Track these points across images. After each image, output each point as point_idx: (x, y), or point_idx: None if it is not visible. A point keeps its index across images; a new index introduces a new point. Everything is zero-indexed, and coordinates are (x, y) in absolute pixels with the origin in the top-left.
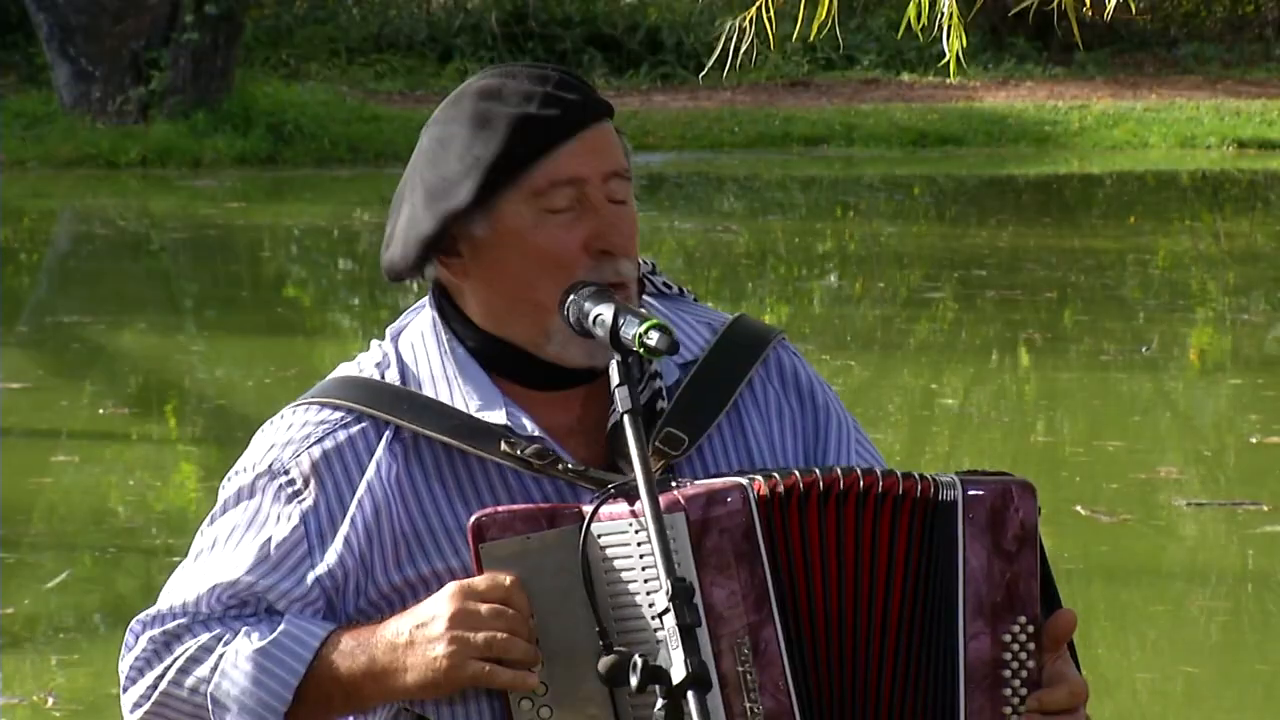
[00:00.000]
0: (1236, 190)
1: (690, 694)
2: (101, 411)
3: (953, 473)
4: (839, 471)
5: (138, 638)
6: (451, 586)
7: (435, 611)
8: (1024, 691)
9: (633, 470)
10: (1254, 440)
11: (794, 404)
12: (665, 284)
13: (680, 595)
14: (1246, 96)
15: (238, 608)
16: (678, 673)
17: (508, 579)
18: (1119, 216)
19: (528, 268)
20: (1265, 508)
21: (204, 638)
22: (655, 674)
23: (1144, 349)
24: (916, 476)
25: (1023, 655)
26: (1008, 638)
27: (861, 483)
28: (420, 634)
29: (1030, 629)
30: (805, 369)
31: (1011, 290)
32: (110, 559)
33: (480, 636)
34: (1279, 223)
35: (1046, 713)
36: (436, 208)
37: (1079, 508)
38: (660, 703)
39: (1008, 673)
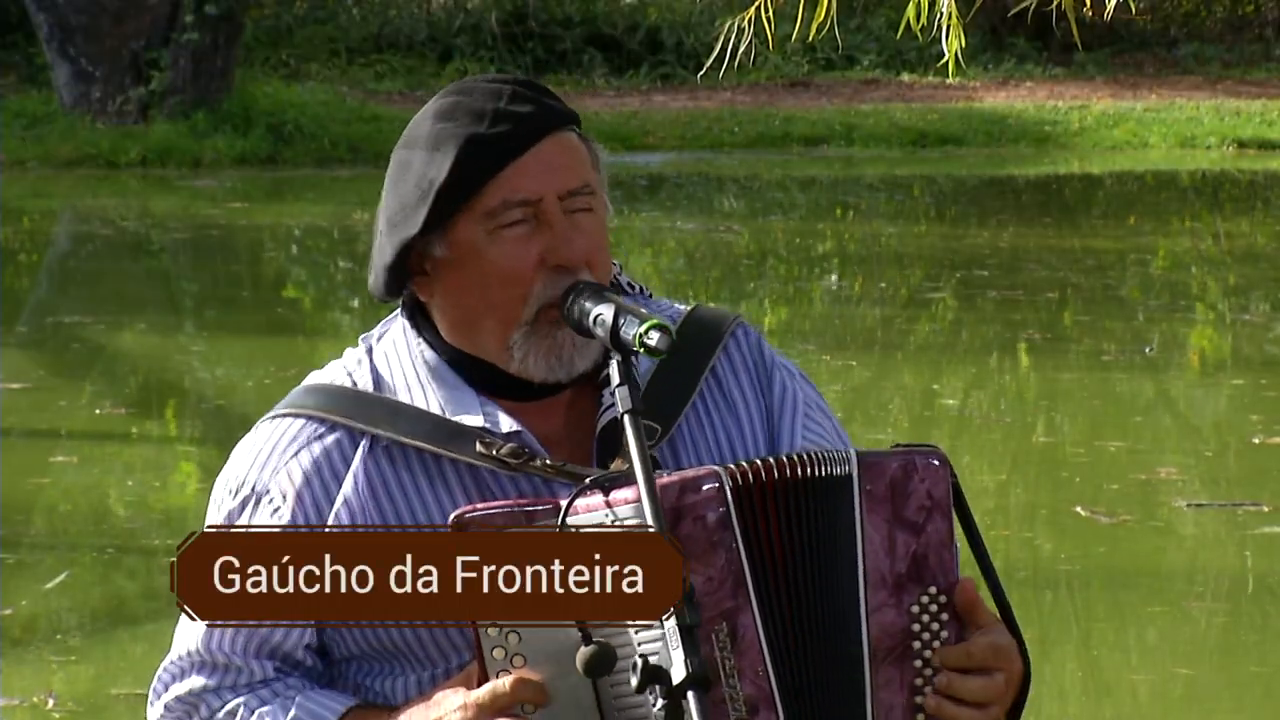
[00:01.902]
0: (1236, 190)
1: (690, 694)
2: (101, 412)
3: (858, 448)
4: (785, 457)
5: (159, 697)
6: (455, 708)
7: None
8: (938, 662)
9: (613, 466)
10: (1256, 441)
11: (753, 385)
12: (629, 284)
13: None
14: (1246, 96)
15: (241, 653)
16: (678, 673)
17: (506, 684)
18: (1119, 216)
19: (484, 284)
20: (1265, 508)
21: (221, 714)
22: (655, 674)
23: (1147, 350)
24: (812, 455)
25: (934, 626)
26: (916, 609)
27: (786, 467)
28: None
29: (942, 599)
30: (763, 350)
31: (1012, 290)
32: (110, 559)
33: None
34: (1279, 223)
35: (949, 669)
36: (395, 236)
37: (1079, 508)
38: (660, 703)
39: (918, 644)
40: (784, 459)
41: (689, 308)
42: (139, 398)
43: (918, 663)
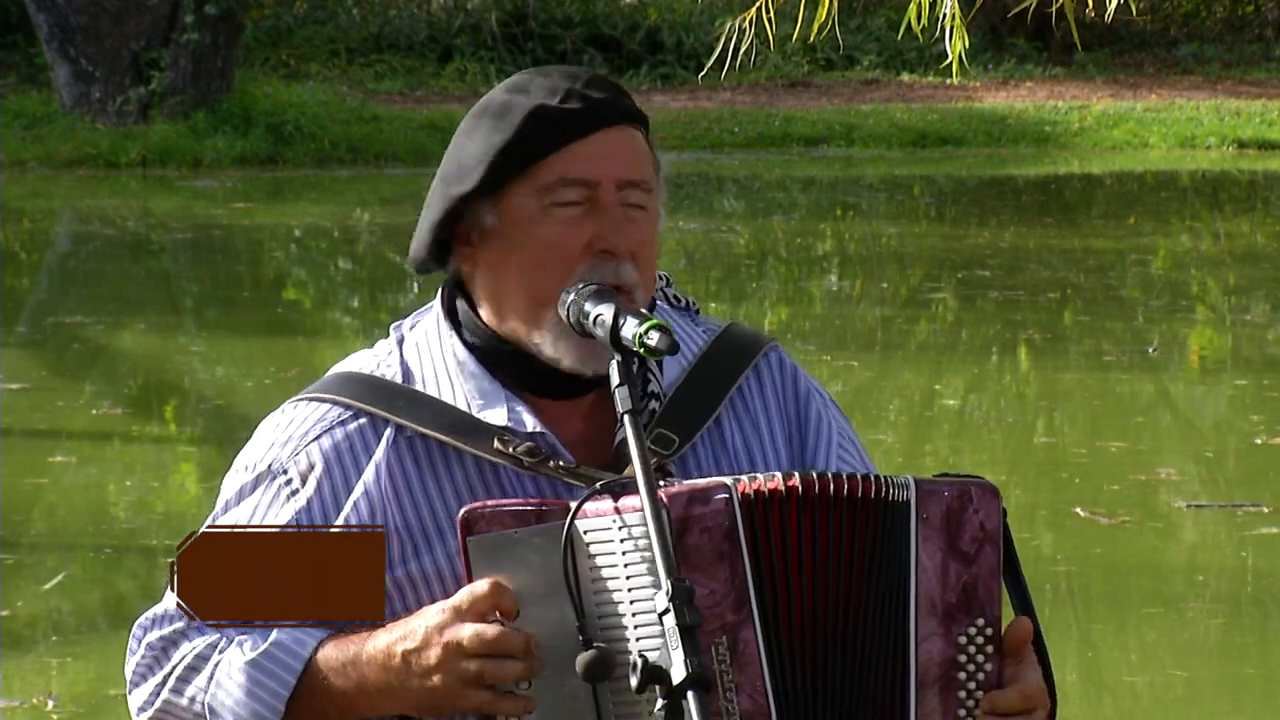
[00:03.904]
0: (1236, 190)
1: (690, 694)
2: (100, 412)
3: (911, 474)
4: (815, 475)
5: (140, 642)
6: (435, 611)
7: (428, 639)
8: (979, 694)
9: (627, 471)
10: (1258, 441)
11: (780, 411)
12: (675, 297)
13: (680, 595)
14: (1246, 96)
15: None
16: (678, 673)
17: (485, 585)
18: (1119, 217)
19: (529, 259)
20: (1265, 509)
21: (200, 645)
22: (655, 674)
23: (1150, 350)
24: (872, 478)
25: (979, 658)
26: (963, 639)
27: (831, 486)
28: (416, 661)
29: (989, 631)
30: (798, 379)
31: (1012, 291)
32: (109, 560)
33: (473, 667)
34: (1279, 223)
35: (999, 714)
36: (447, 191)
37: (1079, 509)
38: (660, 702)
39: (963, 675)
40: (835, 476)
41: (725, 324)
42: (139, 398)
43: (961, 694)
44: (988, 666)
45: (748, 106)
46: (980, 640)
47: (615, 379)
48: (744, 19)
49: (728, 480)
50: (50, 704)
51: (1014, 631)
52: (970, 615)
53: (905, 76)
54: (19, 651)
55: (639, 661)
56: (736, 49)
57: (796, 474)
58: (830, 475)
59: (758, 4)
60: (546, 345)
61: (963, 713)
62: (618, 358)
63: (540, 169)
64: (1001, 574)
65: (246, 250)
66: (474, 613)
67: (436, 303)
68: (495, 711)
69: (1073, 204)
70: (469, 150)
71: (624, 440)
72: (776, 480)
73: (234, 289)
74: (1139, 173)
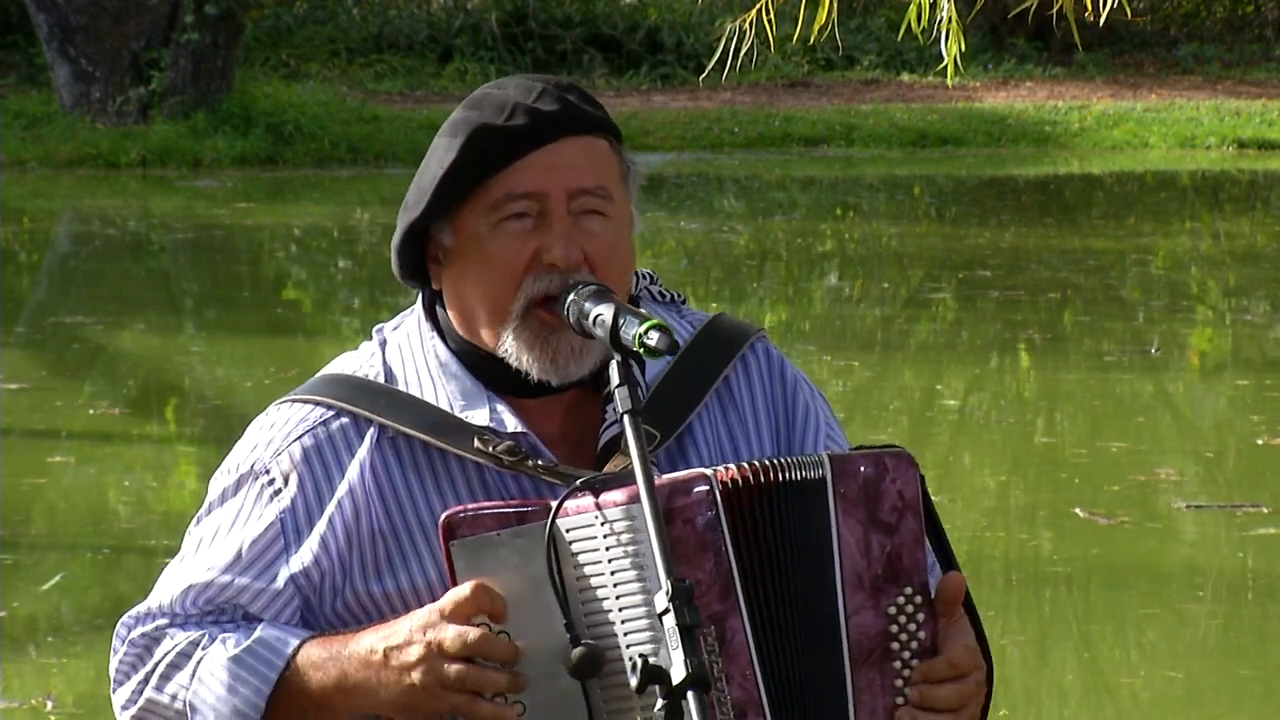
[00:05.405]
0: (1236, 190)
1: (690, 694)
2: (100, 412)
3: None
4: (770, 460)
5: (123, 640)
6: (421, 613)
7: (410, 637)
8: (915, 662)
9: (607, 467)
10: (1259, 441)
11: (768, 401)
12: (660, 293)
13: (680, 595)
14: (1246, 96)
15: (214, 613)
16: (678, 673)
17: (467, 590)
18: (1119, 217)
19: (482, 275)
20: (1265, 510)
21: (182, 642)
22: (654, 674)
23: (1152, 350)
24: (783, 461)
25: (911, 626)
26: (893, 610)
27: (763, 473)
28: (396, 657)
29: (918, 599)
30: (785, 370)
31: (1012, 291)
32: (108, 560)
33: (453, 670)
34: (1279, 223)
35: (932, 683)
36: (404, 218)
37: (1078, 509)
38: (660, 703)
39: (896, 645)
40: (762, 463)
41: (711, 316)
42: (138, 398)
43: (897, 664)
44: (920, 634)
45: (748, 106)
46: (910, 609)
47: (615, 379)
48: (744, 20)
49: (707, 471)
50: (50, 704)
51: (945, 588)
52: (898, 584)
53: (905, 76)
54: (19, 652)
55: (638, 662)
56: (737, 50)
57: (756, 461)
58: (762, 460)
59: (758, 5)
60: (511, 358)
61: (900, 683)
62: (618, 358)
63: (488, 188)
64: (924, 540)
65: (246, 250)
66: (458, 616)
67: (418, 305)
68: (473, 716)
69: (1073, 204)
70: (425, 175)
71: (611, 440)
72: (746, 468)
73: (234, 289)
74: (1139, 173)
